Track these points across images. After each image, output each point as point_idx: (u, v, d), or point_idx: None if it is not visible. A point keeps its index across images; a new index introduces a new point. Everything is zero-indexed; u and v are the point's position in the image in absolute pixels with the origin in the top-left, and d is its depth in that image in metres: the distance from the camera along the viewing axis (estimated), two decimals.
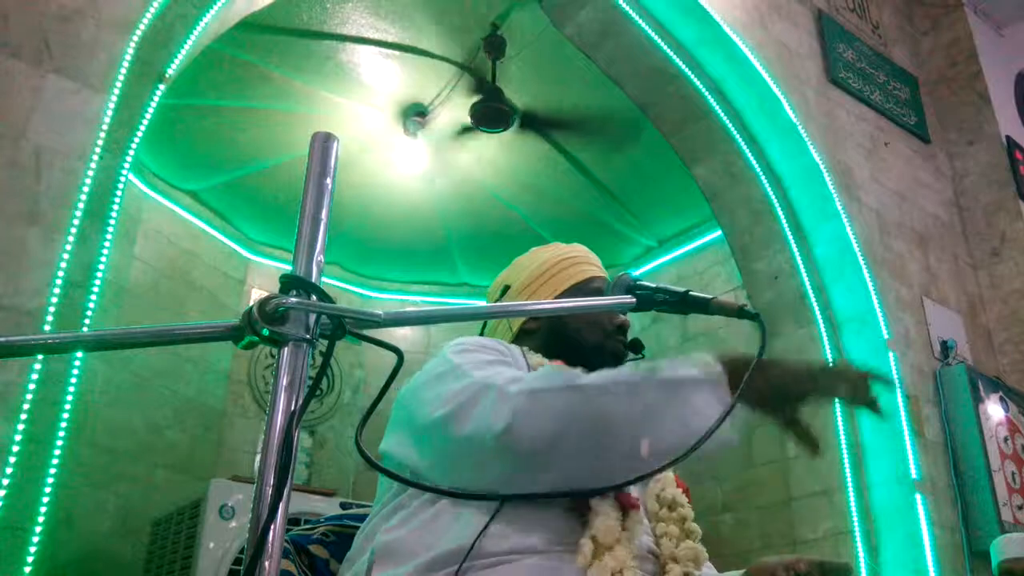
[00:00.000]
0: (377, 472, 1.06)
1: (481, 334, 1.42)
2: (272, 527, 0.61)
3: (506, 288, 1.45)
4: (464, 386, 1.05)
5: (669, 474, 1.25)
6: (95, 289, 2.26)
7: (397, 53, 4.69)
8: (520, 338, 1.37)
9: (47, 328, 2.10)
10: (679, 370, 0.98)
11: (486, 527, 0.99)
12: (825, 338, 3.96)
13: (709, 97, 4.13)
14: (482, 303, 1.30)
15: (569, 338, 1.33)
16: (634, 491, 1.12)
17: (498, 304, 1.24)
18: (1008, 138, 5.06)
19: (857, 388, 0.98)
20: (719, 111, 4.14)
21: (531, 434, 0.97)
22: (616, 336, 1.34)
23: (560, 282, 1.40)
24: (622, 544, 1.01)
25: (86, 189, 2.25)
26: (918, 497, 3.65)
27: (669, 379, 0.97)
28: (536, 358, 1.27)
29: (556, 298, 1.39)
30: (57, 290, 2.14)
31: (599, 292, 1.39)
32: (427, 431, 1.07)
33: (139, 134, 2.49)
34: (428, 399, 1.10)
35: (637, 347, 1.37)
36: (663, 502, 1.19)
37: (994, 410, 4.07)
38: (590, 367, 1.25)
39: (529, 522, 1.02)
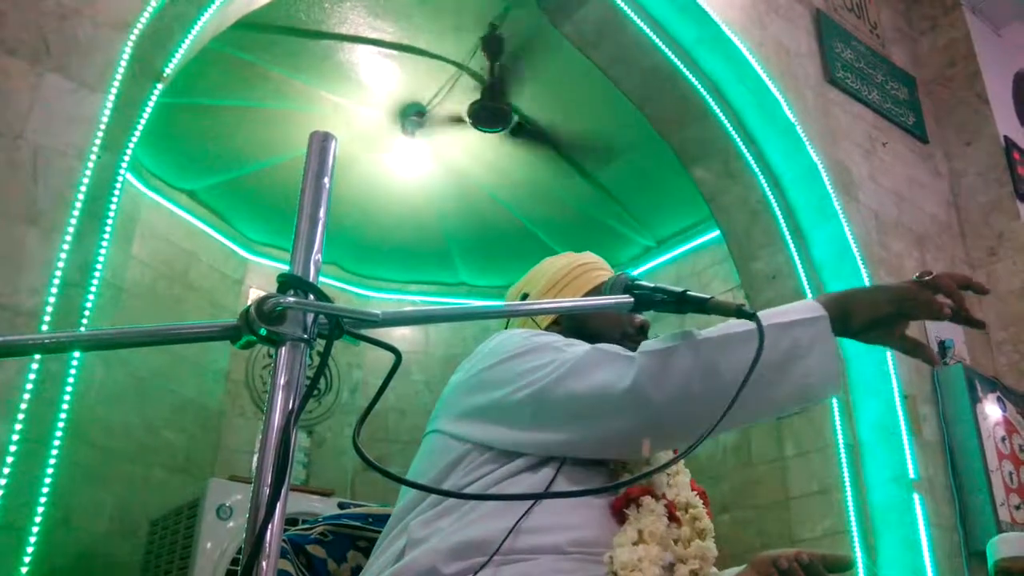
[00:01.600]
0: (376, 472, 1.05)
1: None
2: (270, 527, 0.61)
3: (525, 296, 1.48)
4: (572, 353, 1.11)
5: (684, 478, 1.27)
6: (93, 289, 2.26)
7: (395, 52, 4.69)
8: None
9: (44, 328, 2.10)
10: (788, 314, 1.04)
11: (517, 523, 1.01)
12: None
13: (707, 97, 4.14)
14: (480, 303, 1.30)
15: (589, 340, 1.34)
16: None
17: (499, 304, 1.23)
18: (1006, 138, 5.06)
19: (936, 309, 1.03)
20: (717, 111, 4.15)
21: (658, 389, 1.03)
22: (637, 338, 1.35)
23: (578, 288, 1.43)
24: (659, 544, 1.05)
25: (84, 188, 2.24)
26: (916, 497, 3.65)
27: (779, 323, 1.02)
28: None
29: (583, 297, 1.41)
30: (54, 289, 2.13)
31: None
32: (533, 398, 1.10)
33: (137, 133, 2.49)
34: (524, 371, 1.14)
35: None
36: (678, 505, 1.19)
37: (991, 410, 4.08)
38: None
39: (561, 523, 1.04)
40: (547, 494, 0.94)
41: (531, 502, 1.04)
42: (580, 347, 1.13)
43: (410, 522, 1.11)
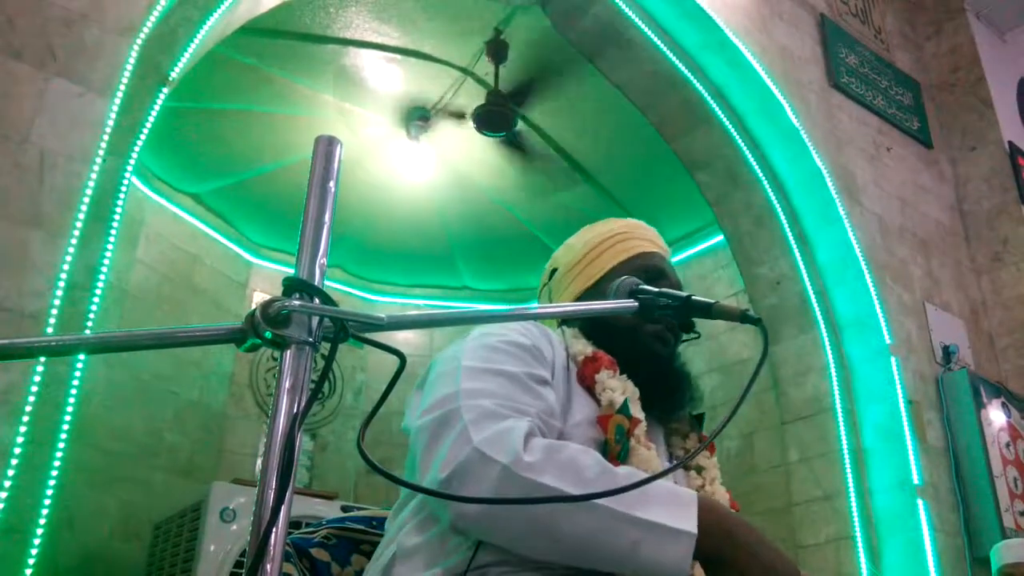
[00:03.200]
0: (379, 476, 1.05)
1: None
2: (274, 530, 0.61)
3: (554, 271, 1.42)
4: (451, 406, 1.02)
5: (722, 489, 1.27)
6: (97, 292, 2.26)
7: (400, 57, 4.70)
8: (568, 320, 1.34)
9: (49, 330, 2.10)
10: (656, 512, 0.92)
11: (479, 545, 0.98)
12: (827, 343, 3.96)
13: (711, 102, 4.14)
14: (484, 306, 1.29)
15: (608, 325, 1.30)
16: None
17: (502, 307, 1.23)
18: (1010, 143, 5.06)
19: None
20: (721, 116, 4.15)
21: (468, 507, 0.95)
22: (651, 339, 1.30)
23: (605, 262, 1.37)
24: None
25: (89, 192, 2.25)
26: (920, 502, 3.64)
27: (639, 520, 0.91)
28: (579, 344, 1.25)
29: (601, 277, 1.35)
30: (60, 292, 2.14)
31: (649, 268, 1.34)
32: (411, 436, 1.07)
33: (142, 137, 2.49)
34: (418, 403, 1.10)
35: (688, 326, 1.27)
36: None
37: (996, 415, 4.07)
38: (630, 351, 1.25)
39: None
40: (554, 498, 0.93)
41: None
42: (462, 402, 1.02)
43: (401, 527, 1.10)
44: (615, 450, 1.12)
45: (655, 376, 1.27)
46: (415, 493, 1.09)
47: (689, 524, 0.91)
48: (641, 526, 0.91)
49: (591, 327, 1.30)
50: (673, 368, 1.31)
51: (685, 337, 1.32)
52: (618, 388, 1.18)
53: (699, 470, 1.27)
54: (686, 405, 1.33)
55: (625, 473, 0.97)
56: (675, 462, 1.25)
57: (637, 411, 1.18)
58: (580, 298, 1.36)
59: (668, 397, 1.29)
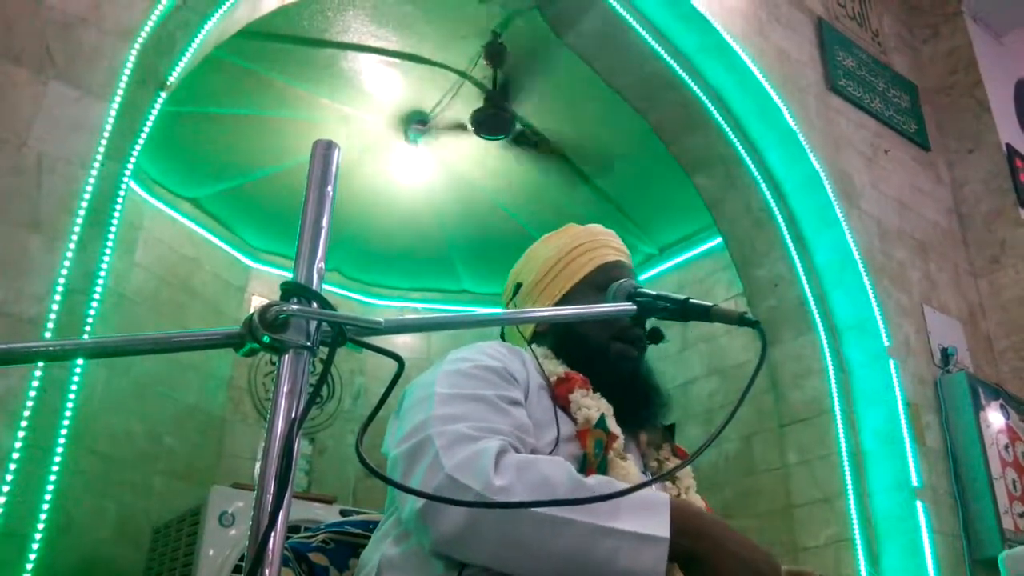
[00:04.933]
0: (378, 480, 1.06)
1: (502, 334, 1.41)
2: (272, 534, 0.61)
3: (518, 286, 1.42)
4: (422, 435, 1.02)
5: (697, 497, 1.28)
6: (96, 296, 2.26)
7: (398, 61, 4.70)
8: (536, 339, 1.35)
9: (48, 335, 2.10)
10: (629, 520, 0.93)
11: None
12: (825, 345, 3.96)
13: (709, 105, 4.14)
14: (483, 310, 1.30)
15: (577, 339, 1.31)
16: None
17: (500, 311, 1.24)
18: (1008, 146, 5.07)
19: None
20: (719, 118, 4.15)
21: (440, 525, 0.96)
22: (627, 332, 1.31)
23: (571, 274, 1.37)
24: None
25: (87, 196, 2.25)
26: (919, 504, 3.65)
27: (613, 530, 0.92)
28: (550, 364, 1.26)
29: (570, 290, 1.35)
30: (58, 297, 2.14)
31: (615, 277, 1.34)
32: (390, 462, 1.08)
33: (140, 141, 2.49)
34: (393, 432, 1.10)
35: (657, 336, 1.34)
36: None
37: (995, 417, 4.07)
38: (599, 370, 1.26)
39: None
40: (555, 501, 0.94)
41: None
42: (434, 429, 1.03)
43: (387, 536, 1.11)
44: (594, 463, 1.13)
45: (626, 392, 1.28)
46: (401, 503, 1.10)
47: (661, 529, 0.92)
48: (615, 536, 0.92)
49: (561, 346, 1.31)
50: (642, 383, 1.32)
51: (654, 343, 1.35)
52: (592, 406, 1.19)
53: (674, 480, 1.28)
54: (657, 417, 1.34)
55: (596, 484, 0.98)
56: (649, 473, 1.28)
57: (613, 426, 1.19)
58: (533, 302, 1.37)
59: (639, 411, 1.31)
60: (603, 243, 1.42)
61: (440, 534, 0.96)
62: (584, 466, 1.12)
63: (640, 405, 1.31)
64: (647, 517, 0.93)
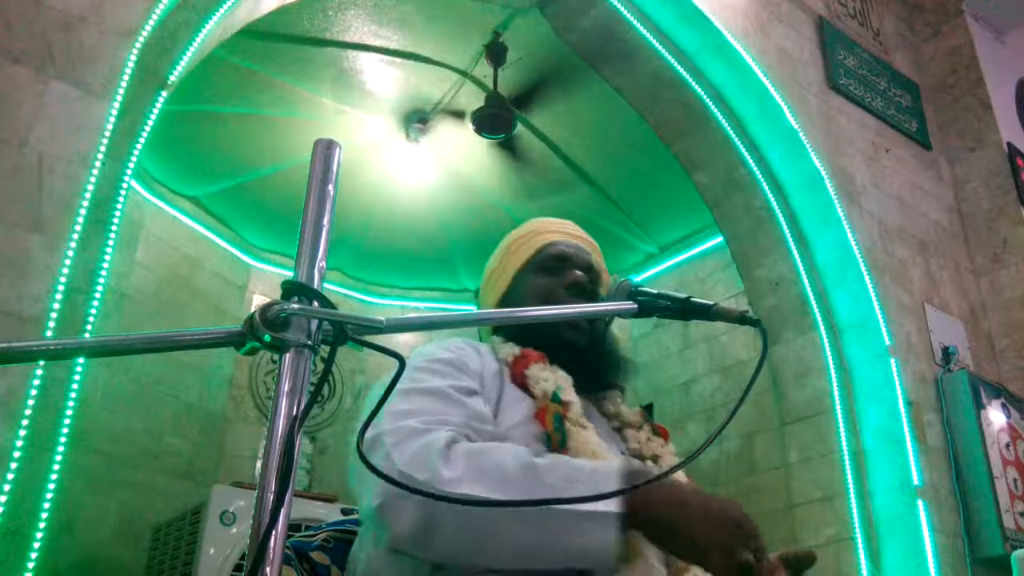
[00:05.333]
0: (379, 478, 1.06)
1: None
2: (273, 533, 0.61)
3: (477, 291, 1.47)
4: (387, 437, 1.02)
5: (680, 476, 1.27)
6: (97, 295, 2.26)
7: (399, 60, 4.70)
8: (496, 331, 1.38)
9: (49, 334, 2.10)
10: (578, 499, 0.90)
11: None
12: (826, 344, 3.96)
13: (710, 103, 4.14)
14: (483, 310, 1.30)
15: (528, 325, 1.33)
16: None
17: (500, 311, 1.24)
18: (1009, 144, 5.06)
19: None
20: (720, 117, 4.15)
21: (399, 523, 0.95)
22: (564, 302, 1.33)
23: (513, 265, 1.41)
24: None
25: (88, 195, 2.25)
26: (920, 503, 3.64)
27: (562, 511, 0.91)
28: (506, 348, 1.28)
29: (511, 283, 1.39)
30: (59, 296, 2.14)
31: (549, 259, 1.38)
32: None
33: (141, 140, 2.49)
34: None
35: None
36: None
37: (996, 416, 4.07)
38: (553, 345, 1.28)
39: None
40: (556, 500, 0.94)
41: None
42: (385, 426, 1.02)
43: (368, 529, 1.12)
44: (556, 439, 1.12)
45: (581, 360, 1.29)
46: (359, 503, 1.11)
47: (611, 504, 0.90)
48: (567, 516, 0.90)
49: (515, 332, 1.32)
50: (595, 348, 1.33)
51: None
52: (549, 378, 1.20)
53: (655, 459, 1.28)
54: (615, 377, 1.36)
55: (547, 464, 0.97)
56: (625, 450, 1.28)
57: (569, 396, 1.19)
58: (498, 307, 1.39)
59: (597, 376, 1.33)
60: (545, 229, 1.44)
61: (397, 532, 0.96)
62: (548, 444, 1.12)
63: (597, 370, 1.33)
64: (595, 490, 0.91)
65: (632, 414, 1.35)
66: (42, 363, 2.04)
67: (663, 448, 1.31)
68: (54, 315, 2.12)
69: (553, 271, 1.38)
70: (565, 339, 1.31)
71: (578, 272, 1.36)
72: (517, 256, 1.41)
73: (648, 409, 1.39)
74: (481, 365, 1.22)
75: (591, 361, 1.32)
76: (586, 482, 0.93)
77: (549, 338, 1.29)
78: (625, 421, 1.34)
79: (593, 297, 1.35)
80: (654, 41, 4.03)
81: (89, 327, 2.23)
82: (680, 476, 1.25)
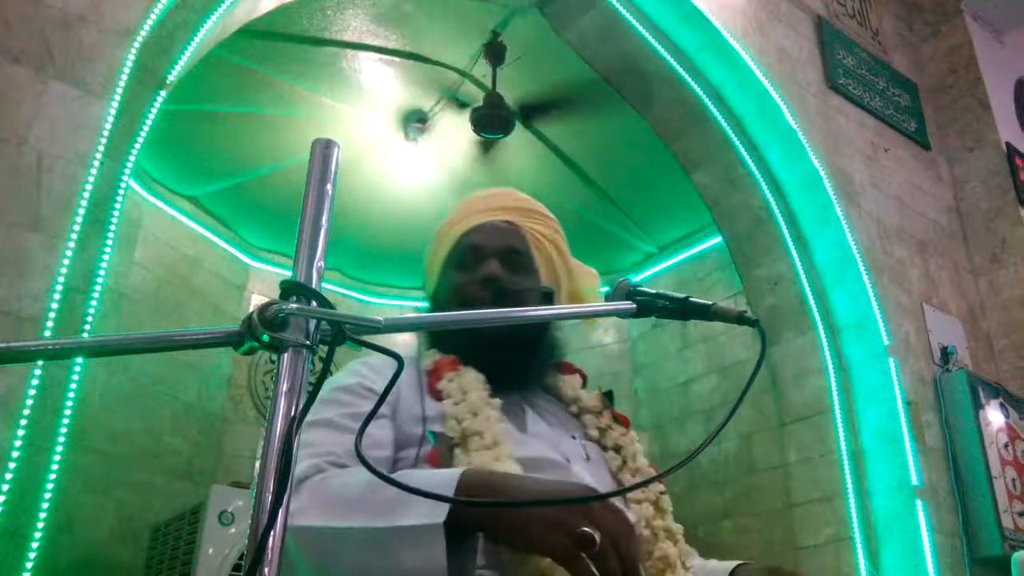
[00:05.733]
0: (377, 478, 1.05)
1: None
2: (272, 533, 0.61)
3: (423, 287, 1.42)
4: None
5: (644, 462, 1.25)
6: (95, 295, 2.26)
7: (398, 60, 4.71)
8: (428, 334, 1.33)
9: (47, 334, 2.10)
10: (409, 513, 0.87)
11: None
12: (825, 344, 3.97)
13: (709, 103, 4.14)
14: (481, 310, 1.27)
15: (443, 305, 1.29)
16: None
17: (500, 310, 1.23)
18: (1008, 144, 5.07)
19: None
20: (719, 117, 4.15)
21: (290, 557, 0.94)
22: (469, 293, 1.26)
23: (435, 263, 1.36)
24: None
25: (87, 195, 2.25)
26: (918, 503, 3.65)
27: (393, 528, 0.87)
28: (427, 358, 1.24)
29: (437, 283, 1.34)
30: (57, 296, 2.14)
31: (468, 250, 1.31)
32: None
33: (140, 140, 2.49)
34: None
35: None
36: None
37: (994, 416, 4.07)
38: (463, 343, 1.23)
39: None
40: (557, 501, 0.93)
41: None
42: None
43: None
44: (449, 456, 1.09)
45: (491, 353, 1.22)
46: None
47: (439, 514, 0.85)
48: (396, 535, 0.87)
49: (432, 336, 1.29)
50: (501, 338, 1.23)
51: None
52: (455, 392, 1.15)
53: (617, 449, 1.25)
54: (553, 360, 1.32)
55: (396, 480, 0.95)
56: (585, 439, 1.24)
57: (480, 399, 1.14)
58: (432, 309, 1.34)
59: (524, 365, 1.28)
60: (462, 218, 1.37)
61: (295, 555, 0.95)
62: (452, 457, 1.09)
63: (523, 357, 1.27)
64: (430, 504, 0.86)
65: (591, 399, 1.32)
66: (41, 363, 2.04)
67: (624, 437, 1.27)
68: (52, 315, 2.12)
69: (467, 266, 1.30)
70: (476, 334, 1.23)
71: (492, 264, 1.27)
72: (438, 254, 1.35)
73: (608, 396, 1.35)
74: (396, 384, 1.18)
75: (501, 352, 1.23)
76: (419, 499, 0.87)
77: (460, 335, 1.24)
78: (584, 407, 1.31)
79: (512, 294, 1.26)
80: (653, 41, 4.04)
81: (88, 327, 2.23)
82: (644, 468, 1.22)
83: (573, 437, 1.23)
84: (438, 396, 1.17)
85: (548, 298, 1.32)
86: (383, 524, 0.88)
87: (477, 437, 1.08)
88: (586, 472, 1.15)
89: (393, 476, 0.91)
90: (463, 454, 1.07)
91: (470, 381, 1.18)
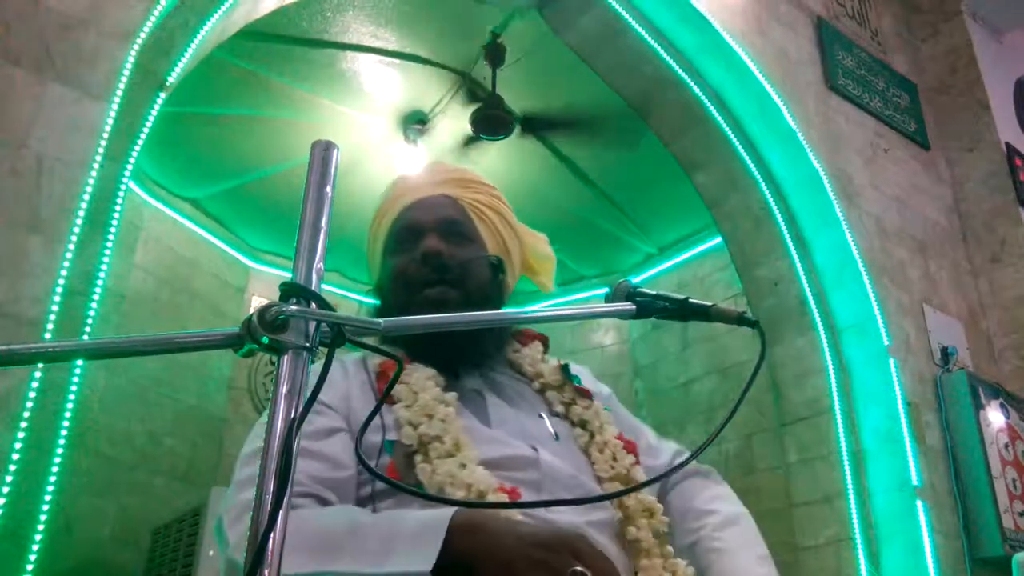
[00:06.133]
0: (378, 480, 1.05)
1: None
2: (272, 535, 0.61)
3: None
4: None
5: (612, 431, 1.22)
6: (95, 297, 2.26)
7: (397, 61, 4.71)
8: None
9: (47, 336, 2.10)
10: (397, 559, 0.85)
11: None
12: (825, 345, 3.96)
13: (709, 104, 4.14)
14: (479, 311, 1.26)
15: (391, 312, 1.24)
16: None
17: (499, 312, 1.23)
18: (1008, 144, 5.07)
19: None
20: (719, 118, 4.15)
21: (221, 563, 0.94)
22: (414, 283, 1.22)
23: (376, 251, 1.32)
24: None
25: (87, 197, 2.25)
26: (919, 504, 3.64)
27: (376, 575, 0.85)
28: (376, 356, 1.16)
29: (380, 275, 1.31)
30: (57, 298, 2.14)
31: (405, 230, 1.27)
32: None
33: (140, 142, 2.49)
34: None
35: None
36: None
37: (995, 416, 4.07)
38: (417, 340, 1.17)
39: None
40: (553, 502, 0.93)
41: None
42: (229, 501, 1.02)
43: None
44: (405, 464, 1.04)
45: (439, 343, 1.17)
46: None
47: (426, 562, 0.83)
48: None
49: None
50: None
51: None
52: (405, 395, 1.09)
53: (583, 424, 1.21)
54: (491, 337, 1.26)
55: (371, 523, 0.91)
56: (554, 415, 1.21)
57: (433, 399, 1.09)
58: (378, 299, 1.30)
59: (471, 349, 1.22)
60: (394, 203, 1.33)
61: (223, 562, 0.94)
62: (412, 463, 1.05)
63: (463, 344, 1.20)
64: (417, 548, 0.84)
65: (552, 373, 1.27)
66: (41, 365, 2.04)
67: (588, 411, 1.23)
68: (53, 317, 2.12)
69: (406, 246, 1.26)
70: (416, 303, 1.19)
71: (430, 239, 1.22)
72: (377, 242, 1.32)
73: (565, 368, 1.29)
74: (347, 386, 1.12)
75: (448, 341, 1.17)
76: (408, 543, 0.86)
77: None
78: (547, 383, 1.26)
79: (456, 267, 1.21)
80: (652, 42, 4.04)
81: (88, 329, 2.23)
82: (612, 440, 1.19)
83: (540, 416, 1.20)
84: (391, 400, 1.10)
85: (496, 267, 1.26)
86: (371, 570, 0.85)
87: (437, 443, 1.03)
88: (555, 457, 1.11)
89: (369, 520, 0.90)
90: (424, 462, 1.02)
91: (419, 380, 1.12)
